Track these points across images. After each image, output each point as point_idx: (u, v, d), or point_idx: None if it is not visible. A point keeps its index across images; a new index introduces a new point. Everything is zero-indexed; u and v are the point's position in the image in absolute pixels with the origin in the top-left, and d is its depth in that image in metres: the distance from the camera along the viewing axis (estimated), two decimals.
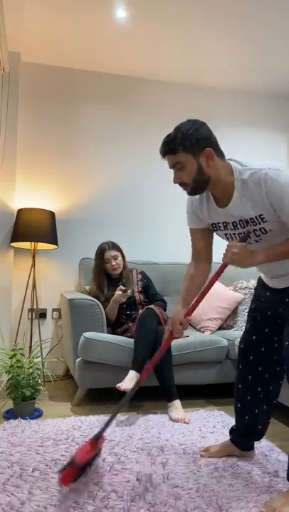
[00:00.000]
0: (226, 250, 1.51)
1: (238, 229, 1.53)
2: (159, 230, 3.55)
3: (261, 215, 1.44)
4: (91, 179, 3.49)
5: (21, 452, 1.79)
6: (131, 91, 3.60)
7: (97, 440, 1.60)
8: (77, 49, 3.19)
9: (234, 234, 1.56)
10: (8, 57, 2.96)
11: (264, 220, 1.45)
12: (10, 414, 2.30)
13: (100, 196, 3.49)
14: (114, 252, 2.88)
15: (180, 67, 3.43)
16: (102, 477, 1.59)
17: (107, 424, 1.64)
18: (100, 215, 3.47)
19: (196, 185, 1.48)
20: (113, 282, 2.88)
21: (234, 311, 3.08)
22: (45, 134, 3.40)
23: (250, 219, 1.47)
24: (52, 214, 3.10)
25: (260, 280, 1.75)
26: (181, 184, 1.51)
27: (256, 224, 1.47)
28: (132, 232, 3.50)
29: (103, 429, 1.63)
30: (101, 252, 2.89)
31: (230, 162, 1.50)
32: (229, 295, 3.07)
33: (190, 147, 1.43)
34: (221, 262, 1.54)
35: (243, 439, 1.79)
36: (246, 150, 3.84)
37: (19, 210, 3.05)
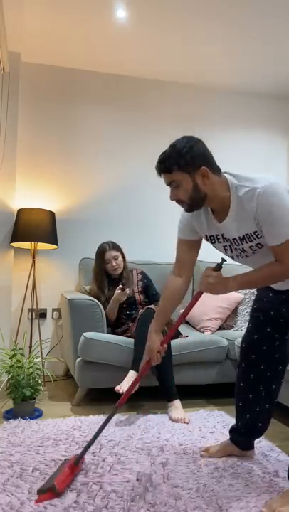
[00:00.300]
0: (201, 278, 1.52)
1: (235, 245, 1.53)
2: (159, 230, 3.55)
3: (256, 231, 1.44)
4: (91, 179, 3.49)
5: (21, 452, 1.80)
6: (131, 91, 3.60)
7: (77, 464, 1.58)
8: (77, 49, 3.19)
9: (231, 246, 1.56)
10: (8, 57, 2.96)
11: (259, 236, 1.44)
12: (10, 414, 2.30)
13: (100, 196, 3.49)
14: (114, 253, 2.88)
15: (180, 67, 3.43)
16: (102, 477, 1.59)
17: (89, 445, 1.63)
18: (100, 215, 3.47)
19: (192, 202, 1.48)
20: (113, 282, 2.88)
21: (234, 311, 3.08)
22: (45, 134, 3.40)
23: (246, 235, 1.46)
24: (52, 214, 3.10)
25: None
26: (177, 201, 1.51)
27: (252, 240, 1.47)
28: (132, 232, 3.50)
29: (84, 451, 1.61)
30: (101, 252, 2.89)
31: (227, 176, 1.48)
32: (229, 295, 3.06)
33: (185, 166, 1.42)
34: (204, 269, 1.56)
35: (243, 438, 1.79)
36: (246, 150, 3.84)
37: (19, 210, 3.05)
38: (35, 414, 2.31)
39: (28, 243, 3.06)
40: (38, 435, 1.99)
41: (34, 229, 2.95)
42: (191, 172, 1.43)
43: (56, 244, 3.09)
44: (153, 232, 3.55)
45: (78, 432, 2.05)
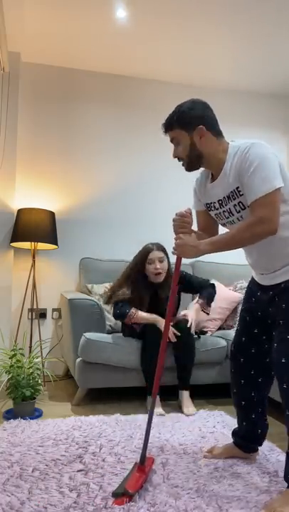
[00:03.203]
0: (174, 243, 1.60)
1: (223, 206, 1.58)
2: (159, 230, 3.54)
3: (238, 187, 1.48)
4: (91, 179, 3.49)
5: (21, 452, 1.79)
6: (131, 91, 3.60)
7: (143, 463, 1.57)
8: (77, 49, 3.19)
9: (223, 212, 1.60)
10: (8, 57, 2.96)
11: (240, 193, 1.48)
12: (10, 414, 2.30)
13: (100, 196, 3.49)
14: (160, 254, 2.56)
15: (180, 67, 3.43)
16: (102, 477, 1.59)
17: (146, 444, 1.60)
18: (100, 215, 3.47)
19: (189, 160, 1.56)
20: (148, 287, 2.58)
21: (234, 311, 3.07)
22: (45, 134, 3.40)
23: (230, 192, 1.51)
24: (52, 214, 3.10)
25: (252, 279, 1.73)
26: (178, 159, 1.59)
27: (235, 198, 1.51)
28: (132, 232, 3.50)
29: (144, 451, 1.58)
30: (145, 252, 2.57)
31: (231, 143, 1.56)
32: (229, 295, 3.07)
33: (184, 124, 1.52)
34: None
35: (245, 442, 1.78)
36: None
37: (19, 210, 3.05)
38: (35, 414, 2.31)
39: (28, 243, 3.06)
40: (38, 435, 1.99)
41: (34, 229, 2.95)
42: (189, 130, 1.52)
43: (56, 244, 3.09)
44: (153, 231, 3.54)
45: (78, 432, 2.04)
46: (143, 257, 2.54)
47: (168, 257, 2.58)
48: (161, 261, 2.52)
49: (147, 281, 2.58)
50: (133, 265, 2.59)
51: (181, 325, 2.48)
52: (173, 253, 1.62)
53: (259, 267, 1.60)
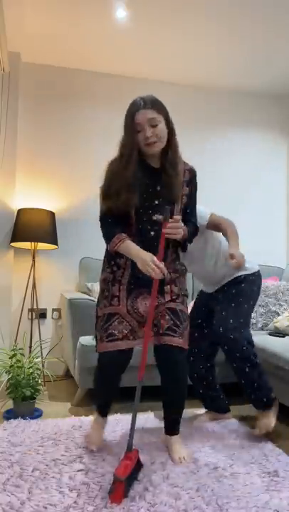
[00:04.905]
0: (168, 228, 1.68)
1: None
2: None
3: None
4: (91, 179, 3.48)
5: (21, 452, 1.80)
6: (131, 91, 3.58)
7: (130, 450, 1.58)
8: (77, 49, 3.19)
9: None
10: (8, 57, 2.96)
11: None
12: (10, 414, 2.30)
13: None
14: (151, 114, 1.68)
15: (180, 67, 3.43)
16: (103, 477, 1.59)
17: (132, 431, 1.61)
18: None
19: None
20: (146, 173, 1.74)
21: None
22: (45, 134, 3.40)
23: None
24: (52, 214, 3.10)
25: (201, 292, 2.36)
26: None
27: None
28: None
29: (131, 437, 1.60)
30: (130, 113, 1.76)
31: None
32: None
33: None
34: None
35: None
36: (246, 150, 3.84)
37: (19, 210, 3.05)
38: (35, 414, 2.31)
39: (28, 243, 3.06)
40: (38, 435, 1.99)
41: (34, 229, 2.95)
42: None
43: (56, 244, 3.09)
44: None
45: (78, 431, 2.05)
46: (129, 119, 1.74)
47: (167, 117, 1.75)
48: (153, 125, 1.68)
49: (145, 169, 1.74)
50: (122, 143, 1.80)
51: (175, 355, 1.76)
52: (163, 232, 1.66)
53: (205, 281, 2.36)
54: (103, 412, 1.89)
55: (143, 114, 1.68)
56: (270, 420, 2.00)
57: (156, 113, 1.69)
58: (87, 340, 2.49)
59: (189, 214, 1.84)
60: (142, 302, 1.74)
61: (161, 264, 1.62)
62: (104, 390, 1.88)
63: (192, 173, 1.84)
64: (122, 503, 1.41)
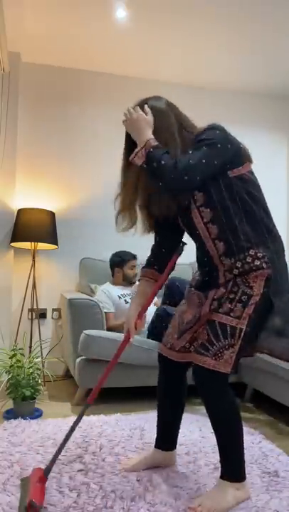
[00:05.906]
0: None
1: None
2: None
3: None
4: (91, 179, 3.49)
5: (21, 452, 1.79)
6: (131, 91, 3.59)
7: (47, 476, 1.45)
8: (77, 49, 3.19)
9: None
10: (8, 57, 2.96)
11: None
12: (10, 414, 2.30)
13: (100, 196, 3.48)
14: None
15: (180, 67, 3.43)
16: (102, 477, 1.59)
17: (55, 458, 1.49)
18: (100, 215, 3.46)
19: None
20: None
21: None
22: (45, 134, 3.40)
23: None
24: (52, 214, 3.10)
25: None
26: None
27: None
28: (132, 231, 3.49)
29: (52, 463, 1.47)
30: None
31: None
32: None
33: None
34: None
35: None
36: None
37: (19, 210, 3.05)
38: (35, 414, 2.31)
39: (28, 243, 3.06)
40: (38, 435, 1.99)
41: (34, 229, 2.95)
42: None
43: (56, 244, 3.09)
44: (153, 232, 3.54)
45: (78, 431, 2.04)
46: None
47: None
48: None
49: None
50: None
51: (202, 378, 1.54)
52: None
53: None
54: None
55: None
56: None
57: None
58: (91, 331, 2.49)
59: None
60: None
61: (133, 331, 1.57)
62: None
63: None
64: (121, 503, 1.41)
